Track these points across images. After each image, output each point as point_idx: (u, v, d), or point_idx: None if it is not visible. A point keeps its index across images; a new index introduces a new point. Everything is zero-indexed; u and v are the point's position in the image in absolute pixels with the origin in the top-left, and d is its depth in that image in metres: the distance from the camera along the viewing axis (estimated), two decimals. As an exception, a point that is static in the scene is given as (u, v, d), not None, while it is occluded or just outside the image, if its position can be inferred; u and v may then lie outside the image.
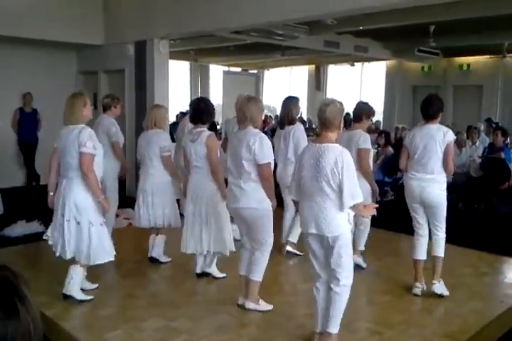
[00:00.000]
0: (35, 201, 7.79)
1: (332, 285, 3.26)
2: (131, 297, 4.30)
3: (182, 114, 14.25)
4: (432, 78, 14.23)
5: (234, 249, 4.42)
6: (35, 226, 6.23)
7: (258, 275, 3.93)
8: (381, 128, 13.50)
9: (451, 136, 4.16)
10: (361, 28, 9.59)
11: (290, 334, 3.63)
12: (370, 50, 12.03)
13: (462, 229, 6.33)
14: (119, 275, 4.85)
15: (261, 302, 3.99)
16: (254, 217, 3.80)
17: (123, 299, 4.25)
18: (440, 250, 4.31)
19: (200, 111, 4.40)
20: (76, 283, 4.07)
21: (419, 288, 4.33)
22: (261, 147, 3.69)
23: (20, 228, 6.14)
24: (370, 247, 5.32)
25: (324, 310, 3.34)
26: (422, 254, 4.37)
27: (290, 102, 5.38)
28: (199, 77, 18.22)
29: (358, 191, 3.15)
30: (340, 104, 3.30)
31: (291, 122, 5.30)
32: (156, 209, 4.91)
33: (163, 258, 5.10)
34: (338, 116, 3.24)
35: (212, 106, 4.58)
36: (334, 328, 3.27)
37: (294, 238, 5.38)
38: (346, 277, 3.24)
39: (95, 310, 4.02)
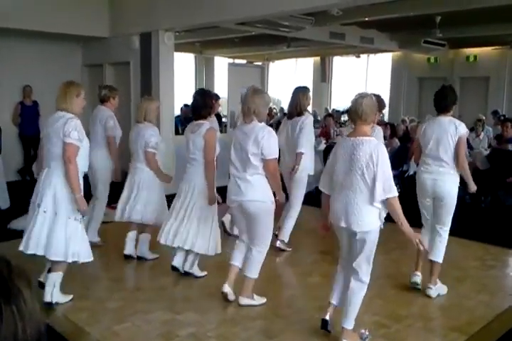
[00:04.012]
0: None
1: (352, 280, 3.28)
2: (138, 290, 4.31)
3: (186, 107, 14.23)
4: (438, 70, 14.12)
5: (219, 251, 4.36)
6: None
7: (254, 273, 3.91)
8: (387, 120, 13.44)
9: (463, 129, 4.11)
10: (367, 19, 9.51)
11: (298, 327, 3.63)
12: (375, 41, 11.93)
13: (469, 222, 6.31)
14: (125, 269, 4.86)
15: (255, 296, 3.97)
16: (259, 210, 3.77)
17: (130, 292, 4.26)
18: (439, 255, 4.20)
19: (198, 106, 4.36)
20: (58, 289, 3.88)
21: (418, 276, 4.31)
22: (269, 142, 3.68)
23: (26, 221, 6.14)
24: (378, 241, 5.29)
25: (341, 287, 3.41)
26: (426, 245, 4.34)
27: (298, 92, 5.32)
28: (204, 69, 18.15)
29: (391, 185, 3.11)
30: (374, 99, 3.29)
31: (300, 113, 5.25)
32: (136, 203, 4.80)
33: (150, 256, 4.99)
34: (374, 109, 3.26)
35: (210, 97, 4.51)
36: (349, 324, 3.27)
37: (284, 236, 5.31)
38: (366, 274, 3.27)
39: (103, 302, 4.04)
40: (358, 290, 3.27)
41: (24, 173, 9.06)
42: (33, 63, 9.03)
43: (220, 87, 15.34)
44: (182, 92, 14.33)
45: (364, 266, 3.25)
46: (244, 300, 3.93)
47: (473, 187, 4.27)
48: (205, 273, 4.55)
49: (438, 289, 4.21)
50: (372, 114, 3.22)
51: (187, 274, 4.49)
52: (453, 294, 4.27)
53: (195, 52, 16.36)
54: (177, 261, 4.46)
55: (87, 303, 4.00)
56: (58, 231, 3.73)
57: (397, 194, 3.14)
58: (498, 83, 13.32)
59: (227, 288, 3.96)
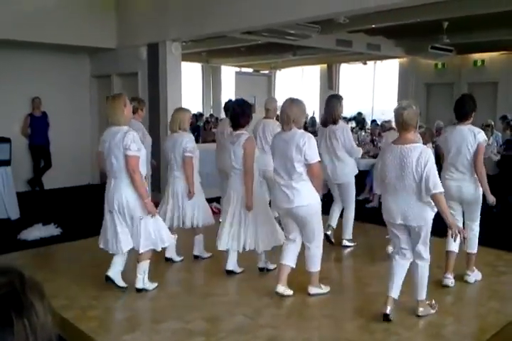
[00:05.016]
0: (50, 204, 7.87)
1: (418, 262, 3.74)
2: (147, 299, 4.30)
3: (194, 116, 14.26)
4: (445, 75, 14.08)
5: (282, 243, 4.55)
6: (51, 230, 6.28)
7: (316, 267, 4.23)
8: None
9: (481, 138, 4.28)
10: (373, 26, 9.53)
11: (308, 335, 3.61)
12: (382, 48, 11.95)
13: (480, 228, 6.23)
14: (135, 278, 4.85)
15: (322, 286, 4.30)
16: (309, 213, 4.04)
17: (140, 301, 4.25)
18: (473, 247, 4.57)
19: (237, 115, 4.55)
20: (147, 276, 4.33)
21: (449, 279, 4.46)
22: (310, 147, 3.92)
23: (36, 231, 6.18)
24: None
25: (400, 280, 3.76)
26: (454, 246, 4.48)
27: (336, 101, 5.53)
28: (211, 79, 18.24)
29: (437, 182, 3.47)
30: (416, 106, 3.64)
31: (335, 121, 5.47)
32: (185, 211, 4.99)
33: (205, 254, 5.25)
34: (415, 118, 3.60)
35: (248, 105, 4.68)
36: (423, 296, 3.77)
37: (348, 235, 5.76)
38: (426, 252, 3.72)
39: (113, 312, 4.04)
40: (423, 267, 3.73)
41: (34, 184, 9.11)
42: (41, 75, 9.11)
43: (227, 95, 15.42)
44: (190, 102, 14.41)
45: (424, 248, 3.69)
46: (313, 290, 4.25)
47: (491, 198, 4.45)
48: (275, 265, 4.73)
49: (475, 275, 4.59)
50: (413, 122, 3.58)
51: (262, 270, 4.82)
52: (465, 300, 4.23)
53: (202, 61, 16.46)
54: (231, 263, 4.73)
55: (96, 312, 4.00)
56: (142, 229, 4.13)
57: (442, 190, 3.49)
58: (507, 88, 13.24)
59: (280, 288, 4.20)
